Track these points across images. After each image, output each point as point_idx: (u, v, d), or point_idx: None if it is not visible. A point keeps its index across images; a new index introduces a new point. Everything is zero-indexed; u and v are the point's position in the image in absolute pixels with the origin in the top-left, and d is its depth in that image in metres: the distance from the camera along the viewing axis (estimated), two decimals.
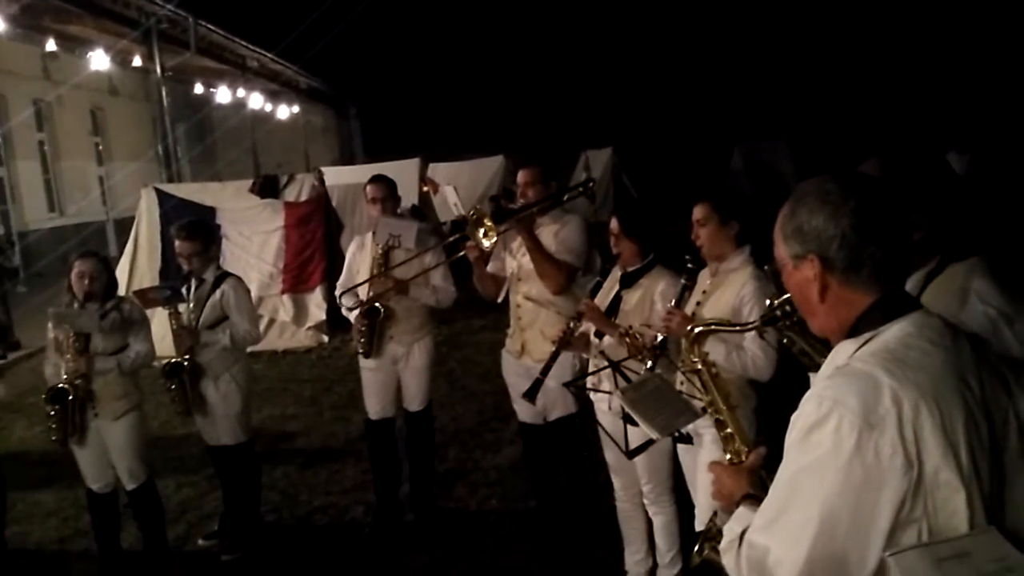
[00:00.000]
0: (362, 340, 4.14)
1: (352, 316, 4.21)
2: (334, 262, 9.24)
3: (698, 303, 2.88)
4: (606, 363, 2.76)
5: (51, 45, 14.43)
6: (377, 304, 4.07)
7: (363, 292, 4.17)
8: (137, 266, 8.92)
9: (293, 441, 5.83)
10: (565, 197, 3.73)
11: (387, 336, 4.16)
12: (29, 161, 16.92)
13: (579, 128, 23.62)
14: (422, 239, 4.16)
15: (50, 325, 3.76)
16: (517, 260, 3.73)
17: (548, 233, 3.64)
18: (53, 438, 3.71)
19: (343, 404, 6.69)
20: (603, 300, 3.21)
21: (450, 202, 11.61)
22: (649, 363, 2.65)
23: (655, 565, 3.42)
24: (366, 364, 4.24)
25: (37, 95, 17.12)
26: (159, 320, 4.05)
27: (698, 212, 2.93)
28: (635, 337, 2.72)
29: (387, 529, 4.25)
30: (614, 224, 3.21)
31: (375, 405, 4.30)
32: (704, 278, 2.95)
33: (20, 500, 4.79)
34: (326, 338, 9.04)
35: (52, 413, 3.64)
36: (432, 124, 24.80)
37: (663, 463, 3.17)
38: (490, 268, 3.87)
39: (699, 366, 1.74)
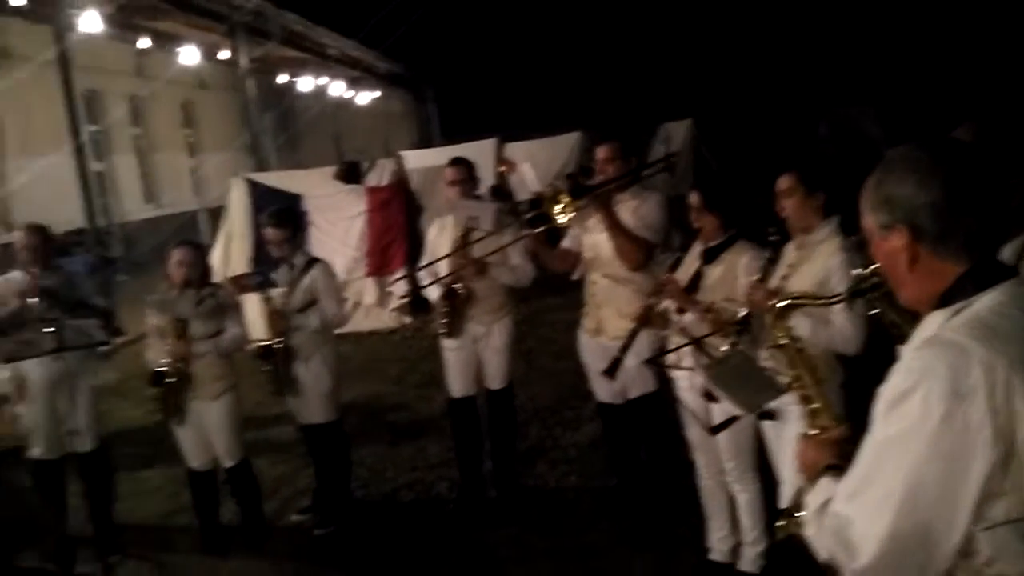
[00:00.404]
0: (443, 320, 4.21)
1: (433, 296, 4.28)
2: (415, 245, 9.41)
3: (783, 277, 2.81)
4: (687, 340, 2.73)
5: (144, 42, 15.07)
6: (457, 285, 4.12)
7: (443, 272, 4.23)
8: (230, 253, 9.26)
9: (379, 420, 5.98)
10: (645, 172, 3.68)
11: (467, 316, 4.21)
12: (126, 155, 17.76)
13: (657, 100, 23.16)
14: (500, 220, 4.18)
15: (151, 312, 3.96)
16: (593, 237, 3.71)
17: (627, 209, 3.61)
18: (156, 419, 3.93)
19: (426, 383, 6.82)
20: (684, 276, 3.16)
21: (527, 179, 11.61)
22: (732, 339, 2.60)
23: (739, 543, 3.38)
24: (448, 344, 4.31)
25: (132, 91, 17.92)
26: (251, 305, 4.21)
27: (783, 183, 2.85)
28: (718, 312, 2.67)
29: (471, 505, 4.34)
30: (695, 198, 3.15)
31: (457, 384, 4.37)
32: (789, 251, 2.87)
33: (126, 478, 5.08)
34: (408, 319, 9.22)
35: (155, 395, 3.86)
36: (508, 103, 24.78)
37: (747, 440, 3.12)
38: (565, 244, 3.86)
39: (784, 341, 1.70)
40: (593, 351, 3.78)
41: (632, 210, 3.60)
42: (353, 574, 3.80)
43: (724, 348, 2.54)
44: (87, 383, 4.28)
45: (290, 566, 3.94)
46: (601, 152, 3.71)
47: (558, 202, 3.38)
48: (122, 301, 9.75)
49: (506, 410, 4.47)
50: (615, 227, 3.49)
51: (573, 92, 25.70)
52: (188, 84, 19.66)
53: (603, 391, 3.79)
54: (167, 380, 3.81)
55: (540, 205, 3.55)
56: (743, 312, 2.78)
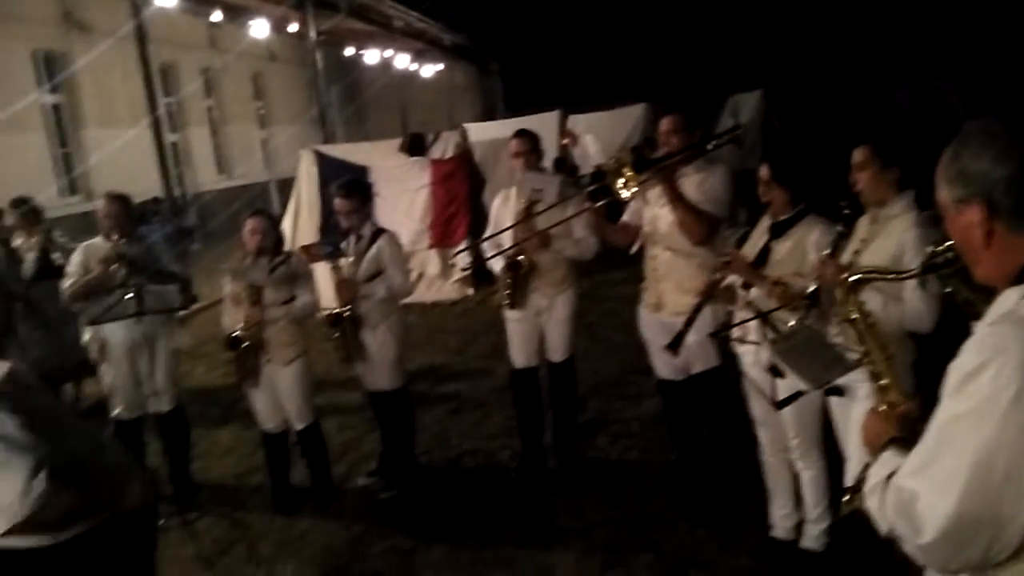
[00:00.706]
0: (506, 292, 4.25)
1: (496, 268, 4.32)
2: (478, 217, 9.46)
3: (855, 252, 2.75)
4: (754, 314, 2.71)
5: (216, 15, 15.39)
6: (520, 257, 4.15)
7: (507, 244, 4.27)
8: (299, 223, 9.48)
9: (442, 388, 6.09)
10: (711, 145, 3.63)
11: (531, 288, 4.24)
12: (199, 127, 18.25)
13: (725, 72, 22.59)
14: (564, 193, 4.19)
15: (227, 279, 4.11)
16: (654, 210, 3.68)
17: (691, 183, 3.57)
18: (232, 382, 4.09)
19: (488, 354, 6.91)
20: (751, 251, 3.12)
21: (590, 151, 11.52)
22: (800, 314, 2.57)
23: (801, 521, 3.35)
24: (511, 315, 4.35)
25: (205, 64, 18.36)
26: (322, 274, 4.33)
27: (857, 156, 2.78)
28: (785, 287, 2.63)
29: (531, 474, 4.40)
30: (764, 171, 3.10)
31: (519, 355, 4.41)
32: (862, 225, 2.81)
33: (202, 438, 5.31)
34: (471, 291, 9.32)
35: (230, 359, 4.02)
36: (572, 75, 24.50)
37: (812, 417, 3.08)
38: (625, 217, 3.84)
39: (855, 315, 1.68)
40: (653, 326, 3.78)
41: (696, 184, 3.56)
42: (417, 537, 3.89)
43: (792, 323, 2.50)
44: (166, 346, 4.47)
45: (357, 527, 4.06)
46: (665, 124, 3.67)
47: (621, 176, 3.35)
48: (196, 269, 10.15)
49: (567, 382, 4.50)
50: (678, 201, 3.45)
51: (639, 64, 25.24)
52: (258, 57, 20.04)
53: (663, 367, 3.79)
54: (242, 345, 3.96)
55: (602, 178, 3.53)
56: (812, 287, 2.74)
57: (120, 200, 4.42)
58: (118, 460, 2.39)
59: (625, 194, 3.38)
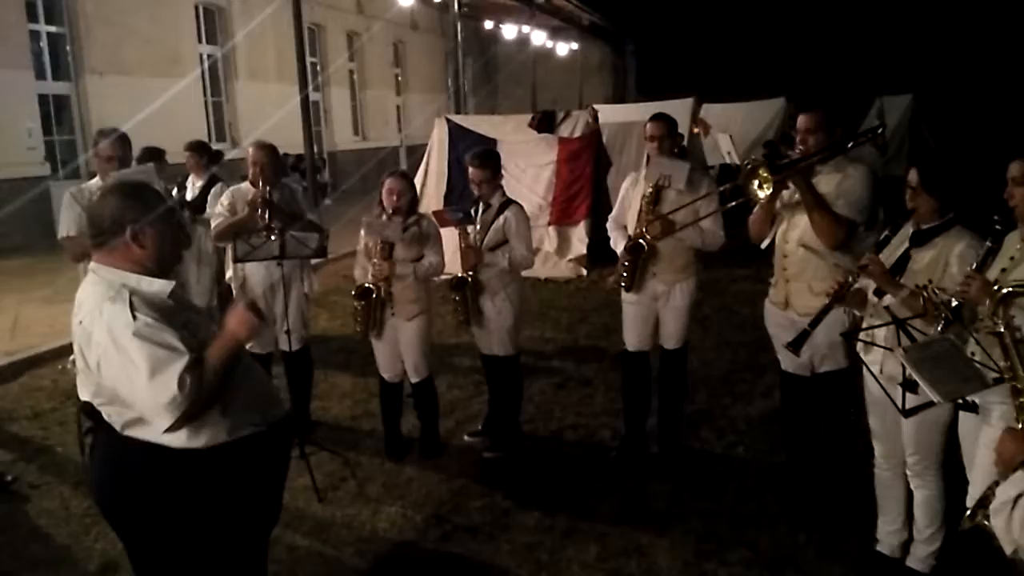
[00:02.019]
0: (624, 274, 4.27)
1: (617, 249, 4.34)
2: (600, 198, 9.47)
3: (1003, 269, 2.62)
4: (888, 320, 2.63)
5: None
6: (642, 240, 4.16)
7: (632, 228, 4.28)
8: (426, 188, 9.76)
9: (549, 362, 6.19)
10: (850, 145, 3.51)
11: (649, 273, 4.23)
12: (341, 88, 18.99)
13: (874, 71, 21.45)
14: (693, 180, 4.16)
15: (362, 233, 4.33)
16: (789, 208, 3.61)
17: (829, 183, 3.47)
18: (357, 329, 4.32)
19: (597, 335, 6.96)
20: (889, 257, 3.03)
21: (723, 149, 11.28)
22: (939, 326, 2.48)
23: (910, 539, 3.25)
24: (627, 298, 4.36)
25: (350, 28, 19.03)
26: (448, 238, 4.49)
27: (1015, 169, 2.64)
28: (931, 294, 2.54)
29: (632, 457, 4.44)
30: (912, 176, 2.98)
31: (632, 338, 4.43)
32: (1013, 242, 2.67)
33: (322, 380, 5.62)
34: (585, 271, 9.36)
35: (358, 308, 4.24)
36: (709, 62, 23.81)
37: (934, 435, 2.98)
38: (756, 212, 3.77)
39: (1001, 328, 1.63)
40: (779, 322, 3.72)
41: (835, 184, 3.46)
42: (514, 499, 4.01)
43: (929, 333, 2.43)
44: (299, 290, 4.76)
45: (459, 481, 4.23)
46: (802, 121, 3.55)
47: (756, 176, 3.31)
48: (326, 224, 10.65)
49: (678, 371, 4.48)
50: (814, 204, 3.37)
51: (780, 56, 24.26)
52: (401, 24, 20.59)
53: (789, 361, 3.72)
54: (371, 296, 4.17)
55: (734, 176, 3.49)
56: (955, 302, 2.63)
57: (268, 149, 4.69)
58: (264, 378, 2.62)
59: (760, 195, 3.33)
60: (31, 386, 5.89)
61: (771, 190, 3.33)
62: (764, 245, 3.81)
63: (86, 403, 2.30)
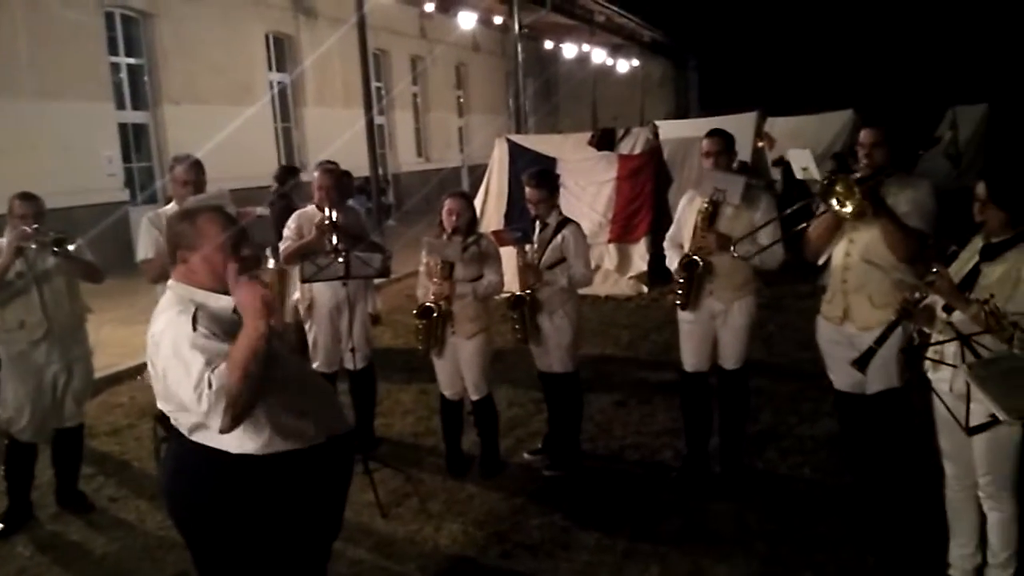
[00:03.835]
0: (680, 292, 4.22)
1: (673, 267, 4.31)
2: (660, 215, 9.41)
3: None
4: (954, 336, 2.57)
5: (429, 6, 16.24)
6: (696, 257, 4.12)
7: (687, 244, 4.25)
8: (487, 207, 9.86)
9: (610, 381, 6.17)
10: (920, 152, 3.45)
11: (706, 290, 4.17)
12: (404, 111, 19.40)
13: (946, 80, 20.80)
14: (749, 195, 4.10)
15: (423, 253, 4.41)
16: (851, 221, 3.52)
17: (896, 196, 3.40)
18: (420, 347, 4.40)
19: (658, 352, 6.91)
20: (958, 272, 2.95)
21: (797, 165, 11.11)
22: (1009, 343, 2.40)
23: (983, 564, 3.13)
24: (684, 316, 4.30)
25: (414, 52, 19.45)
26: (509, 257, 4.53)
27: None
28: (995, 311, 2.47)
29: (694, 476, 4.38)
30: (981, 189, 2.91)
31: (691, 358, 4.36)
32: None
33: (385, 397, 5.73)
34: (646, 288, 9.30)
35: (420, 326, 4.32)
36: (773, 75, 23.47)
37: (1007, 455, 2.87)
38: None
39: None
40: (833, 338, 3.64)
41: (904, 198, 3.40)
42: (574, 518, 4.01)
43: (997, 350, 2.36)
44: (363, 309, 4.88)
45: (518, 499, 4.25)
46: (865, 136, 3.51)
47: (834, 193, 3.26)
48: (390, 244, 10.88)
49: (739, 391, 4.40)
50: (888, 217, 3.30)
51: (847, 67, 23.74)
52: (463, 47, 20.94)
53: (842, 379, 3.64)
54: (432, 315, 4.25)
55: (806, 193, 3.44)
56: None
57: (334, 173, 4.85)
58: (326, 392, 2.71)
59: (845, 211, 3.27)
60: (109, 404, 6.17)
61: (856, 205, 3.25)
62: (821, 261, 3.75)
63: (160, 412, 2.44)
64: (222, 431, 2.23)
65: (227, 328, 2.31)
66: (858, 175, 3.46)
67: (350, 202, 6.43)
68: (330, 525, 2.66)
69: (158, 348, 2.29)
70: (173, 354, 2.24)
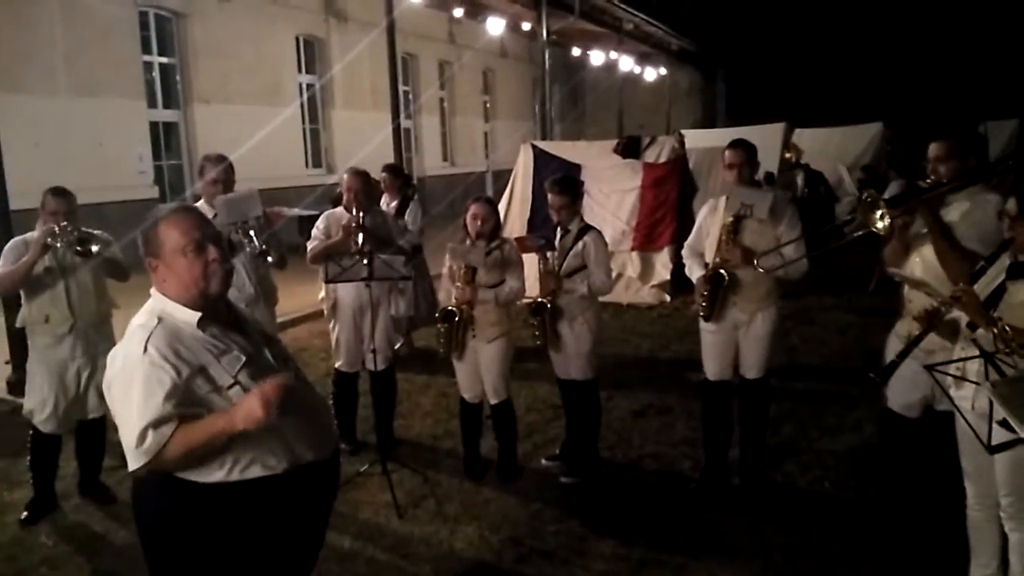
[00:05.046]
0: (703, 304, 4.22)
1: (694, 277, 4.30)
2: (684, 224, 9.38)
3: None
4: (978, 352, 2.54)
5: (458, 12, 16.31)
6: (722, 271, 4.12)
7: (709, 255, 4.24)
8: (511, 213, 9.89)
9: (630, 389, 6.15)
10: (993, 172, 3.34)
11: (730, 302, 4.17)
12: (431, 115, 19.50)
13: (978, 93, 20.52)
14: (776, 208, 4.09)
15: (447, 257, 4.44)
16: (915, 239, 3.46)
17: (957, 212, 3.33)
18: (440, 351, 4.42)
19: (679, 362, 6.88)
20: (984, 289, 2.91)
21: (844, 179, 11.10)
22: None
23: None
24: (706, 326, 4.30)
25: (442, 57, 19.55)
26: (529, 263, 4.55)
27: None
28: (1005, 332, 2.45)
29: (713, 487, 4.37)
30: (1011, 205, 2.87)
31: (713, 368, 4.36)
32: None
33: (405, 399, 5.76)
34: (668, 297, 9.27)
35: (441, 329, 4.34)
36: (802, 86, 23.28)
37: None
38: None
39: None
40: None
41: (963, 213, 3.32)
42: (591, 526, 4.00)
43: (1022, 368, 2.33)
44: (386, 311, 4.92)
45: (535, 505, 4.25)
46: (933, 149, 3.43)
47: (876, 208, 3.21)
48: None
49: (760, 402, 4.39)
50: (940, 235, 3.22)
51: (877, 79, 23.50)
52: (490, 53, 21.02)
53: (898, 399, 3.59)
54: (454, 318, 4.27)
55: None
56: None
57: (362, 176, 4.88)
58: (318, 406, 2.48)
59: (880, 226, 3.21)
60: None
61: (889, 221, 3.20)
62: (871, 288, 3.69)
63: None
64: (132, 472, 2.12)
65: (187, 346, 2.16)
66: (888, 195, 3.39)
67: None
68: (307, 553, 2.45)
69: (114, 357, 2.18)
70: (122, 369, 2.13)
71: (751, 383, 4.33)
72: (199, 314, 2.22)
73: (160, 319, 2.19)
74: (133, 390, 2.09)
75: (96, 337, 4.27)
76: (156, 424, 2.07)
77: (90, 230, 4.09)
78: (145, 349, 2.10)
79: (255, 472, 2.19)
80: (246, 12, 13.47)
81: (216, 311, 2.28)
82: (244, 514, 2.21)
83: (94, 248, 4.03)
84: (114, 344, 4.14)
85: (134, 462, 2.11)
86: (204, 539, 2.21)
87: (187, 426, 2.10)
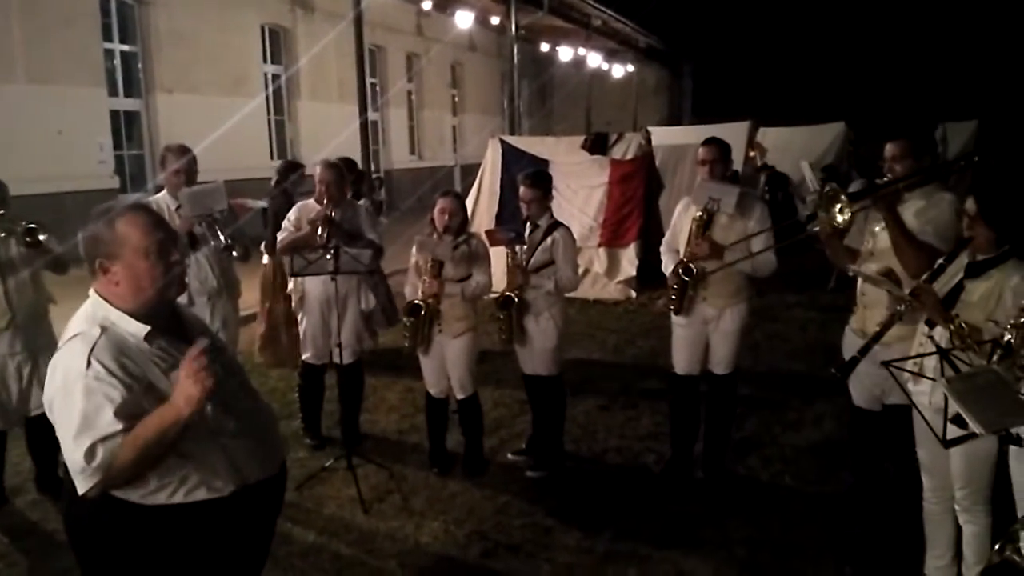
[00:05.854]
0: (673, 297, 4.27)
1: (667, 272, 4.35)
2: (650, 221, 9.46)
3: None
4: (934, 349, 2.60)
5: (426, 4, 16.21)
6: (692, 264, 4.16)
7: (683, 250, 4.28)
8: (479, 207, 9.87)
9: (595, 384, 6.18)
10: (949, 171, 3.41)
11: (699, 296, 4.23)
12: (399, 108, 19.37)
13: (935, 96, 20.97)
14: (744, 204, 4.15)
15: (414, 250, 4.42)
16: (874, 235, 3.54)
17: (912, 210, 3.41)
18: (405, 344, 4.40)
19: (644, 357, 6.94)
20: (943, 287, 2.98)
21: (805, 175, 11.24)
22: (988, 359, 2.44)
23: (959, 575, 3.17)
24: (677, 320, 4.36)
25: (410, 50, 19.42)
26: (497, 257, 4.55)
27: None
28: (962, 329, 2.51)
29: (676, 481, 4.42)
30: (970, 205, 2.94)
31: (682, 361, 4.42)
32: None
33: (371, 394, 5.73)
34: (634, 293, 9.34)
35: (407, 323, 4.33)
36: (767, 86, 23.60)
37: (983, 469, 2.91)
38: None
39: None
40: (854, 350, 3.66)
41: (919, 211, 3.39)
42: (557, 518, 4.03)
43: (976, 365, 2.40)
44: (355, 305, 4.88)
45: (502, 499, 4.26)
46: (890, 149, 3.50)
47: (836, 201, 3.26)
48: (383, 241, 10.85)
49: (727, 396, 4.45)
50: (898, 230, 3.29)
51: (839, 80, 23.90)
52: (459, 47, 20.93)
53: (859, 394, 3.66)
54: (420, 312, 4.26)
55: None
56: (1007, 337, 2.58)
57: (335, 168, 4.81)
58: (263, 422, 2.34)
59: (839, 220, 3.26)
60: None
61: (849, 215, 3.25)
62: (831, 286, 3.76)
63: None
64: (83, 496, 1.98)
65: (134, 359, 2.03)
66: (852, 189, 3.46)
67: (361, 201, 6.49)
68: (251, 570, 2.34)
69: (54, 370, 2.04)
70: (62, 386, 1.99)
71: (719, 378, 4.39)
72: (147, 328, 2.08)
73: (104, 328, 2.04)
74: (75, 408, 1.95)
75: (35, 332, 4.13)
76: (105, 439, 1.95)
77: (30, 221, 3.92)
78: (89, 364, 1.96)
79: (200, 495, 2.07)
80: (210, 0, 13.25)
81: (161, 315, 2.16)
82: (186, 536, 2.10)
83: (42, 237, 3.89)
84: (54, 339, 3.81)
85: (85, 483, 1.97)
86: (143, 562, 2.09)
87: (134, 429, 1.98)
